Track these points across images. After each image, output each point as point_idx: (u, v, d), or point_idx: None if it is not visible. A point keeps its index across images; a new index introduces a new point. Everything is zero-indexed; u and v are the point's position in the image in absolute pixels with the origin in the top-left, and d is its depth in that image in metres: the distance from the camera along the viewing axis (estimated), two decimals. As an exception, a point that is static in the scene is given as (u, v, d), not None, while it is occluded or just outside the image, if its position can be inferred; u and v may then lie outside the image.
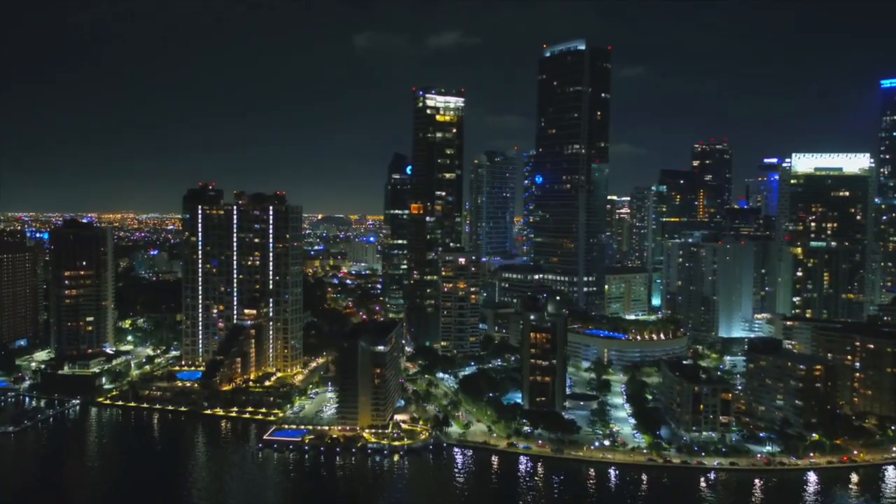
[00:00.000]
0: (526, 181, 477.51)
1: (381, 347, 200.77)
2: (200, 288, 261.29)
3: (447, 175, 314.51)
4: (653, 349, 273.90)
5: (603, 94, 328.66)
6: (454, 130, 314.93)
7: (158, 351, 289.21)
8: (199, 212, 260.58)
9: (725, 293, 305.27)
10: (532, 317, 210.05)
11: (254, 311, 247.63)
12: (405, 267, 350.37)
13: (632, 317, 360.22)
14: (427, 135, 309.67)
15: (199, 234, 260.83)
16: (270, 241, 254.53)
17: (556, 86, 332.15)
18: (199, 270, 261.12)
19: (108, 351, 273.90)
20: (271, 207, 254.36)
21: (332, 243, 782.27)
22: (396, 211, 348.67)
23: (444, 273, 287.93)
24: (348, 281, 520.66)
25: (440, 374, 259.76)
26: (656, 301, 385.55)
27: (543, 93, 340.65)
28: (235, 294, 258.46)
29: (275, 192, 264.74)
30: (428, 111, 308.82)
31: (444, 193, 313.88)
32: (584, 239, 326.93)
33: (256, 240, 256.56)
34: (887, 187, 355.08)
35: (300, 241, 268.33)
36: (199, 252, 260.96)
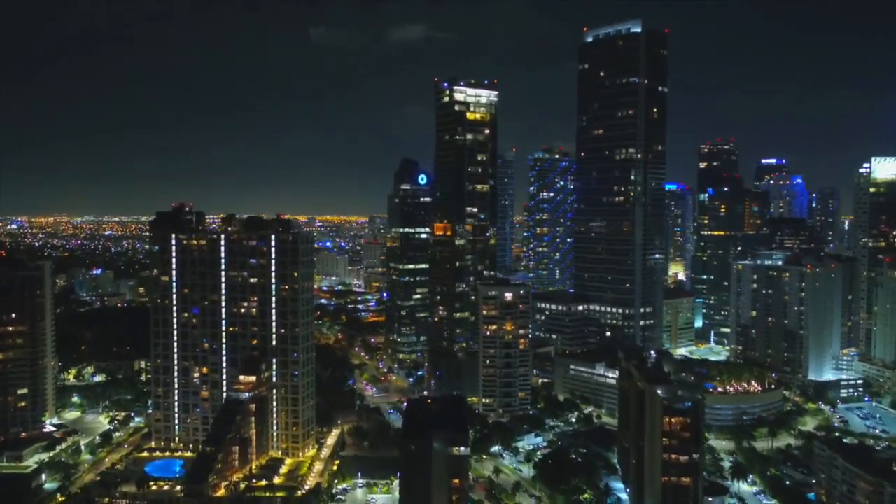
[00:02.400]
0: (531, 188, 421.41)
1: (463, 450, 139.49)
2: (176, 344, 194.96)
3: (479, 187, 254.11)
4: (750, 404, 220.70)
5: (660, 88, 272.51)
6: (487, 131, 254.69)
7: (116, 422, 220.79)
8: (174, 242, 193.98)
9: (815, 327, 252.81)
10: (661, 392, 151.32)
11: (253, 379, 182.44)
12: (418, 297, 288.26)
13: (683, 351, 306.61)
14: (455, 137, 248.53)
15: (174, 271, 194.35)
16: (272, 281, 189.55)
17: (604, 77, 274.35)
18: (175, 321, 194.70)
19: (49, 428, 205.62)
20: (273, 237, 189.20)
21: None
22: (408, 229, 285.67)
23: (485, 312, 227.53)
24: (323, 300, 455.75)
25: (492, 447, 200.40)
26: (697, 322, 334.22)
27: (585, 85, 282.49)
28: (224, 352, 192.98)
29: (277, 216, 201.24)
30: (456, 107, 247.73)
31: (475, 209, 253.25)
32: (641, 261, 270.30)
33: (253, 280, 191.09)
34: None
35: (311, 282, 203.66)
36: (174, 295, 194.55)
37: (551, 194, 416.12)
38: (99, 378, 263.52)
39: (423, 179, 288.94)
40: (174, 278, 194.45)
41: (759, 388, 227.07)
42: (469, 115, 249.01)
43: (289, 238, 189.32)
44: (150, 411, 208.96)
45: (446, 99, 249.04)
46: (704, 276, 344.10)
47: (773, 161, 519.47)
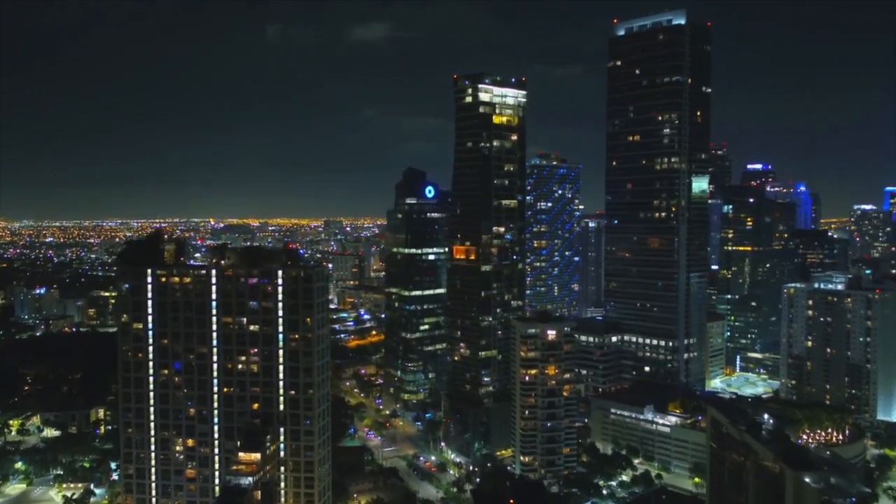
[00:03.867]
0: (528, 197, 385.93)
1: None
2: (153, 410, 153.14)
3: (506, 202, 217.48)
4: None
5: (704, 88, 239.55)
6: (514, 137, 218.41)
7: (71, 494, 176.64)
8: (150, 280, 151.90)
9: (885, 360, 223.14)
10: (812, 482, 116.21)
11: (256, 456, 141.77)
12: (426, 328, 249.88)
13: (717, 382, 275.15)
14: (480, 144, 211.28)
15: (150, 316, 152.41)
16: (279, 329, 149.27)
17: (639, 75, 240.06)
18: (151, 379, 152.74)
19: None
20: (280, 273, 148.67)
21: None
22: (414, 250, 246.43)
23: (523, 354, 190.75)
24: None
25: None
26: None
27: (616, 85, 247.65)
28: (217, 420, 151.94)
29: (284, 245, 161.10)
30: (481, 109, 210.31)
31: (502, 229, 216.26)
32: (685, 285, 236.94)
33: (254, 327, 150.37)
34: None
35: (327, 328, 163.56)
36: (151, 348, 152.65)
37: (549, 204, 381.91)
38: (48, 433, 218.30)
39: (430, 192, 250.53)
40: (150, 325, 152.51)
41: (842, 437, 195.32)
42: (496, 119, 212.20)
43: (300, 275, 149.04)
44: (114, 478, 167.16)
45: (469, 99, 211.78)
46: (729, 296, 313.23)
47: (759, 166, 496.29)
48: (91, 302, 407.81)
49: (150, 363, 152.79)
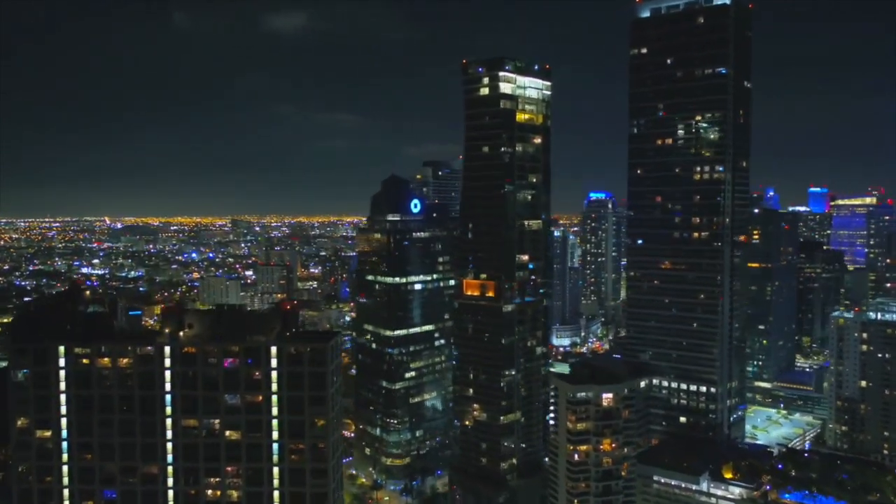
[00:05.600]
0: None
1: None
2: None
3: (529, 224, 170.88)
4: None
5: (745, 83, 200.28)
6: (538, 140, 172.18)
7: None
8: (65, 364, 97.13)
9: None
10: None
11: None
12: (412, 374, 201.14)
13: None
14: (500, 148, 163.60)
15: (63, 419, 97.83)
16: (273, 435, 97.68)
17: (672, 65, 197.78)
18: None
19: None
20: (273, 350, 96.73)
21: (152, 266, 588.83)
22: (399, 279, 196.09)
23: (570, 424, 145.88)
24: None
25: None
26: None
27: (641, 77, 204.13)
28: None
29: (276, 305, 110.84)
30: (502, 104, 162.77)
31: (526, 257, 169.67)
32: (729, 320, 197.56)
33: (232, 434, 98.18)
34: None
35: (340, 430, 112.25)
36: (66, 467, 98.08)
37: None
38: None
39: (416, 207, 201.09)
40: (64, 433, 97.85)
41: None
42: (520, 116, 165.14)
43: (305, 351, 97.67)
44: None
45: (484, 91, 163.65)
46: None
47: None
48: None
49: (65, 492, 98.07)
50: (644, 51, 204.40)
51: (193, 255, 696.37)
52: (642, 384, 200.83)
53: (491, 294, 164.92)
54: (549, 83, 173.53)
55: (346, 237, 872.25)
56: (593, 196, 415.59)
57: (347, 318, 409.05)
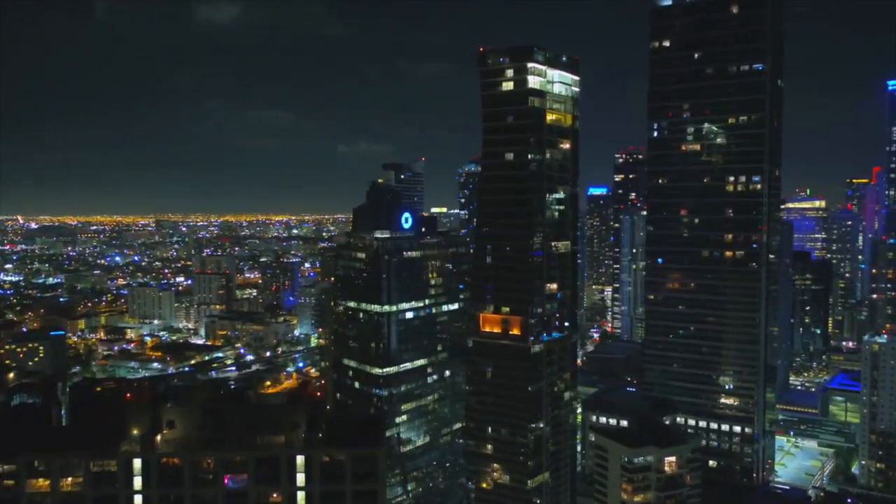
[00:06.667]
0: (463, 212, 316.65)
1: None
2: None
3: (557, 245, 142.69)
4: None
5: (779, 82, 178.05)
6: (567, 146, 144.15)
7: None
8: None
9: None
10: None
11: None
12: (403, 419, 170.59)
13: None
14: (527, 155, 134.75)
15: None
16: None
17: (700, 60, 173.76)
18: None
19: None
20: (300, 460, 65.21)
21: (72, 272, 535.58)
22: (388, 307, 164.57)
23: (625, 495, 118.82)
24: (156, 364, 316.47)
25: None
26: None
27: (663, 74, 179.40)
28: None
29: (300, 386, 71.34)
30: (531, 102, 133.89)
31: (554, 286, 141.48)
32: (765, 351, 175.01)
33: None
34: None
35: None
36: None
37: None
38: None
39: (407, 221, 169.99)
40: None
41: None
42: (549, 116, 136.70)
43: (347, 462, 66.37)
44: None
45: (509, 86, 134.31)
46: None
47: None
48: None
49: None
50: (667, 43, 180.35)
51: (117, 258, 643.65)
52: (666, 421, 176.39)
53: (516, 331, 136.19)
54: (577, 78, 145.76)
55: (278, 238, 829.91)
56: (593, 191, 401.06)
57: (297, 332, 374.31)
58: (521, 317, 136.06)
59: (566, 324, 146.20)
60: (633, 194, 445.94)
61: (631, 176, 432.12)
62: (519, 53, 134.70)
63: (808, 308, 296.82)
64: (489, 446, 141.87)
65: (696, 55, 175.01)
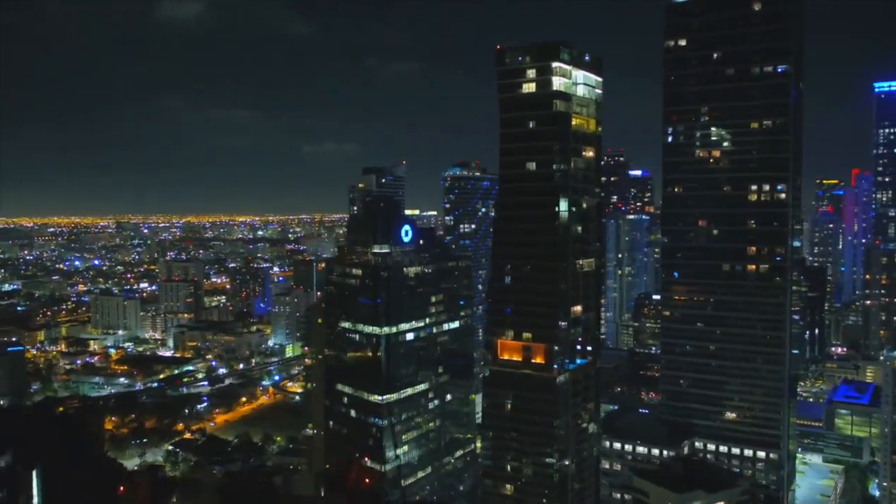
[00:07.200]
0: (448, 217, 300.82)
1: None
2: None
3: (581, 263, 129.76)
4: None
5: (801, 84, 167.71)
6: (590, 153, 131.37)
7: None
8: None
9: None
10: None
11: None
12: (404, 450, 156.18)
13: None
14: (552, 164, 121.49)
15: None
16: None
17: (720, 61, 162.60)
18: None
19: None
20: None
21: (29, 277, 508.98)
22: (388, 329, 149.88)
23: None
24: (123, 379, 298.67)
25: None
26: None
27: (680, 74, 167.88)
28: None
29: (342, 468, 57.12)
30: (556, 105, 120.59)
31: (579, 308, 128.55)
32: (789, 368, 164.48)
33: None
34: None
35: None
36: None
37: (473, 226, 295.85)
38: None
39: (407, 235, 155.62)
40: None
41: None
42: (576, 121, 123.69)
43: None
44: None
45: (531, 87, 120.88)
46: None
47: (639, 173, 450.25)
48: None
49: None
50: (683, 42, 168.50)
51: (76, 262, 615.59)
52: (684, 448, 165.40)
53: (539, 360, 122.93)
54: (600, 79, 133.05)
55: (243, 239, 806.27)
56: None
57: (271, 343, 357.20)
58: (545, 344, 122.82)
59: (589, 348, 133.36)
60: (615, 197, 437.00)
61: (612, 178, 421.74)
62: (542, 52, 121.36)
63: (803, 315, 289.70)
64: (508, 486, 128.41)
65: (714, 55, 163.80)
